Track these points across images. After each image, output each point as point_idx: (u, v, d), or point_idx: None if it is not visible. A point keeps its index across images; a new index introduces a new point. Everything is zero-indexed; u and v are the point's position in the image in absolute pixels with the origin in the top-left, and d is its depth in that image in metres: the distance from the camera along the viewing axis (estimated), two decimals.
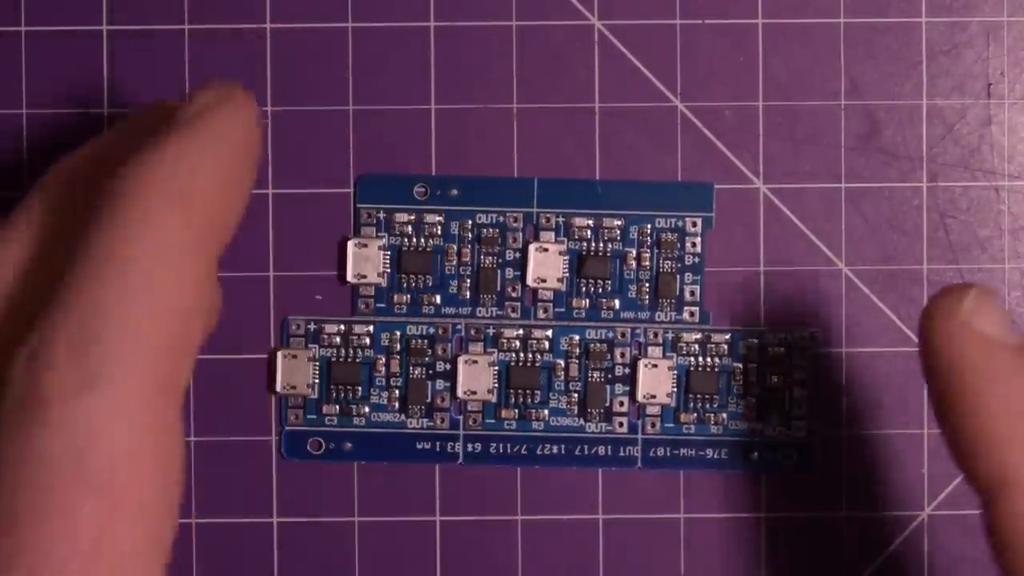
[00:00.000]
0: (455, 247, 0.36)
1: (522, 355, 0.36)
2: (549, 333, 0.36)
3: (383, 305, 0.36)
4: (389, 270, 0.36)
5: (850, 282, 0.36)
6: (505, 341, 0.36)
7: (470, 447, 0.36)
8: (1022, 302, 0.36)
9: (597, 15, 0.36)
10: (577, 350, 0.36)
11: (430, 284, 0.36)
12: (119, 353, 0.24)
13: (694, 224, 0.36)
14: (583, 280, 0.36)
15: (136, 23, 0.36)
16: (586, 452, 0.36)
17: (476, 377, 0.36)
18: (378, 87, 0.36)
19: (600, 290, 0.36)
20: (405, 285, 0.36)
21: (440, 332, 0.36)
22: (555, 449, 0.36)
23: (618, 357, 0.36)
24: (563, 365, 0.36)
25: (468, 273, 0.36)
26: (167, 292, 0.25)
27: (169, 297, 0.25)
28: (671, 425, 0.36)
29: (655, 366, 0.36)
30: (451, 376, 0.36)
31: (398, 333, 0.36)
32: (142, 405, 0.24)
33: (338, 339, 0.36)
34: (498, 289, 0.36)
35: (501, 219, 0.36)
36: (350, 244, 0.36)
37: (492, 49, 0.36)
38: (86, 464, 0.24)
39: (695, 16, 0.36)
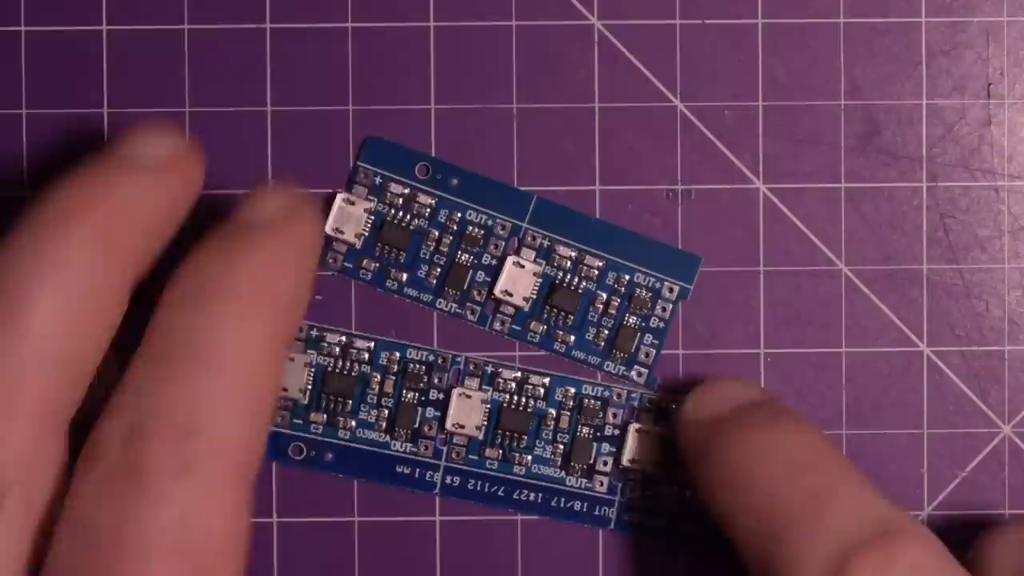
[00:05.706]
0: (436, 233, 0.36)
1: (516, 398, 0.36)
2: (547, 381, 0.36)
3: (351, 266, 0.36)
4: (367, 233, 0.36)
5: (850, 282, 0.36)
6: (501, 381, 0.35)
7: (449, 480, 0.36)
8: (1022, 302, 0.36)
9: (597, 15, 0.36)
10: (571, 403, 0.36)
11: (401, 260, 0.36)
12: (216, 445, 0.27)
13: (671, 290, 0.36)
14: (548, 308, 0.36)
15: (136, 23, 0.36)
16: (562, 505, 0.36)
17: (467, 412, 0.35)
18: (378, 87, 0.36)
19: (561, 322, 0.36)
20: (378, 253, 0.36)
21: (439, 361, 0.36)
22: (532, 496, 0.36)
23: (610, 417, 0.36)
24: (554, 415, 0.36)
25: (440, 262, 0.36)
26: (258, 393, 0.28)
27: (260, 398, 0.28)
28: (651, 493, 0.36)
29: (646, 432, 0.35)
30: (442, 406, 0.35)
31: (397, 354, 0.36)
32: (231, 489, 0.27)
33: (337, 349, 0.36)
34: (464, 288, 0.36)
35: (490, 223, 0.36)
36: (339, 196, 0.35)
37: (492, 49, 0.36)
38: (186, 540, 0.26)
39: (695, 16, 0.36)
